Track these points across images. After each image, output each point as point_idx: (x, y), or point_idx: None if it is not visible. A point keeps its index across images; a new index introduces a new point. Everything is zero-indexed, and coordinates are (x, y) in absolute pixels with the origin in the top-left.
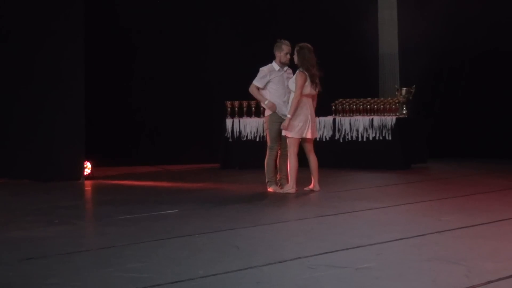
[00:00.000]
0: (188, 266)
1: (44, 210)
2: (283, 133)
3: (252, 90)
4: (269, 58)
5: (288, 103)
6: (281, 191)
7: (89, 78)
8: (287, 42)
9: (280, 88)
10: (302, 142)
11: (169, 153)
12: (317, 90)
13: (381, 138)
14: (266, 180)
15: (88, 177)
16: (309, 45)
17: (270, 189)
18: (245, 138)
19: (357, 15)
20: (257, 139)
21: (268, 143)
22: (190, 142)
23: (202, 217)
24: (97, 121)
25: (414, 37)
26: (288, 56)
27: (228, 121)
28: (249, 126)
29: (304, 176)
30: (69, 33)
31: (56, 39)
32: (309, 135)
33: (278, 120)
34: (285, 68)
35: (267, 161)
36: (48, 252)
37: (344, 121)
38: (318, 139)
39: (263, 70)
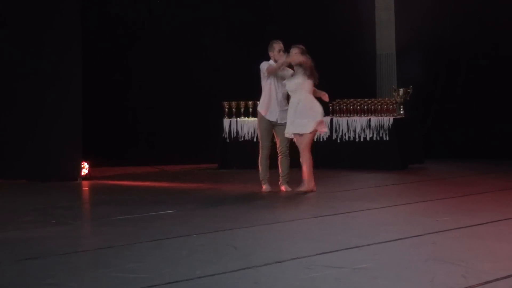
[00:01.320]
0: (186, 266)
1: (41, 211)
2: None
3: (270, 70)
4: (266, 59)
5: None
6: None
7: (86, 79)
8: (277, 40)
9: (278, 89)
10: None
11: (167, 154)
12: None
13: (378, 138)
14: (261, 179)
15: (86, 177)
16: (302, 46)
17: (264, 188)
18: (242, 139)
19: (354, 16)
20: (255, 140)
21: (260, 142)
22: (188, 142)
23: (199, 217)
24: (94, 122)
25: (411, 38)
26: (281, 53)
27: (226, 122)
28: (246, 126)
29: (297, 176)
30: (66, 33)
31: (53, 40)
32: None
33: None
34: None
35: (260, 160)
36: (45, 252)
37: (342, 121)
38: (315, 140)
39: (265, 62)
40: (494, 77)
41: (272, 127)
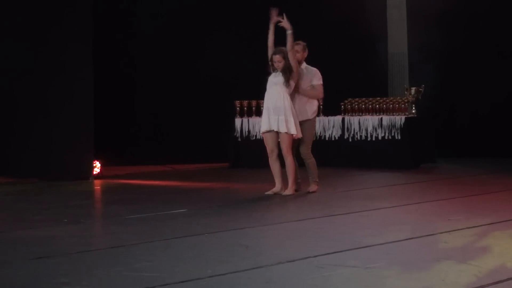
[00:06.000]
0: (197, 265)
1: (53, 210)
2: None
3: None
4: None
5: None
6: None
7: (98, 77)
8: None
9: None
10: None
11: (178, 153)
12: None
13: (390, 137)
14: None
15: (97, 176)
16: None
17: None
18: (254, 138)
19: (366, 14)
20: None
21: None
22: (199, 141)
23: (211, 216)
24: (106, 121)
25: (423, 36)
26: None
27: (237, 121)
28: (258, 125)
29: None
30: (76, 26)
31: (62, 33)
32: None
33: None
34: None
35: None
36: (57, 251)
37: (353, 120)
38: (327, 139)
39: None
40: (507, 75)
41: None
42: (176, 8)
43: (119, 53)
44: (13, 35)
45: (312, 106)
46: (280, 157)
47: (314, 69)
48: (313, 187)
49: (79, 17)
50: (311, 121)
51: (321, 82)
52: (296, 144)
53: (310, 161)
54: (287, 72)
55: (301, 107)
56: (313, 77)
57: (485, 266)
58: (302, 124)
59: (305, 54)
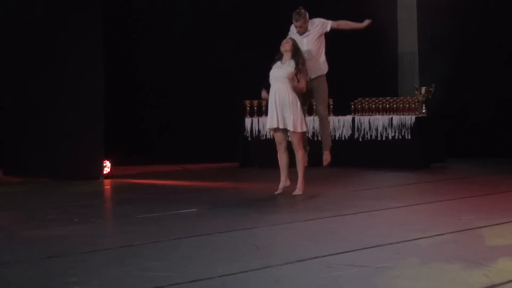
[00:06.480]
0: (207, 265)
1: (63, 209)
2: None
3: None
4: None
5: None
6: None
7: (108, 76)
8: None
9: None
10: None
11: (188, 152)
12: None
13: (400, 137)
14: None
15: (108, 176)
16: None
17: None
18: (264, 137)
19: (376, 14)
20: None
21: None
22: (209, 141)
23: (221, 216)
24: (116, 120)
25: (433, 36)
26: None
27: (247, 120)
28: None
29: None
30: (86, 22)
31: (72, 32)
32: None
33: None
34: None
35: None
36: (67, 250)
37: (363, 120)
38: (337, 139)
39: None
40: None
41: None
42: (186, 7)
43: (129, 52)
44: (24, 34)
45: (324, 61)
46: (290, 150)
47: (316, 20)
48: (326, 157)
49: (89, 16)
50: (324, 77)
51: (330, 24)
52: (305, 137)
53: (327, 123)
54: (298, 56)
55: (314, 63)
56: (319, 27)
57: (496, 266)
58: (315, 80)
59: (308, 23)
